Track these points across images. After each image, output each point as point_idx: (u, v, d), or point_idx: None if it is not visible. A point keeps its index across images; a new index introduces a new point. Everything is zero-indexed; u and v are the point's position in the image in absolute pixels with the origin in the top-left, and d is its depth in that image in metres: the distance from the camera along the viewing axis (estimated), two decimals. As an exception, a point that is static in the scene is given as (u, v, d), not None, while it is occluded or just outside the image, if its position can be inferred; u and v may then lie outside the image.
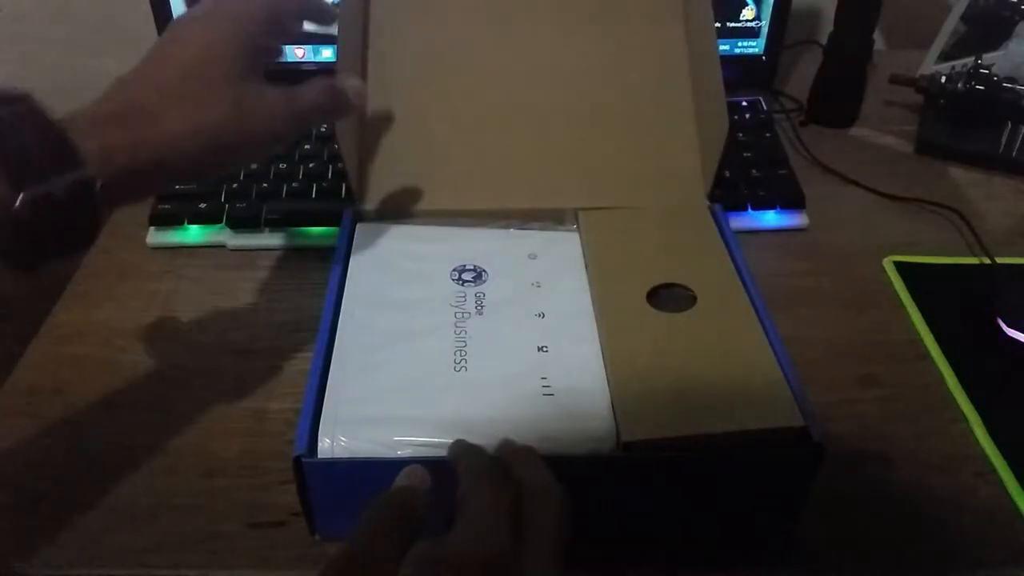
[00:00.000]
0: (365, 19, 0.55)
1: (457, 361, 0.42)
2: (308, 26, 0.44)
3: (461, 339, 0.43)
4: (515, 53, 0.56)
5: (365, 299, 0.46)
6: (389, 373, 0.41)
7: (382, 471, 0.35)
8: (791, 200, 0.65)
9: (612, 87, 0.56)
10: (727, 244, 0.49)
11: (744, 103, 0.74)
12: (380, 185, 0.54)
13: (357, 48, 0.54)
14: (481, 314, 0.45)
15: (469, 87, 0.55)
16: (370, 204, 0.54)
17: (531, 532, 0.32)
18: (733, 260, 0.48)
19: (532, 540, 0.32)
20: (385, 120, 0.55)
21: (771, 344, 0.42)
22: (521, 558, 0.31)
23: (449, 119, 0.54)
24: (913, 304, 0.57)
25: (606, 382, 0.41)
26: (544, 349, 0.43)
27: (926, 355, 0.53)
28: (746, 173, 0.66)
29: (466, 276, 0.48)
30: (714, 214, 0.52)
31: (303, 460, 0.37)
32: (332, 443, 0.38)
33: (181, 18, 0.40)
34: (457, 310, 0.45)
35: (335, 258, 0.49)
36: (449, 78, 0.55)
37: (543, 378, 0.41)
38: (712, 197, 0.54)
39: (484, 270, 0.48)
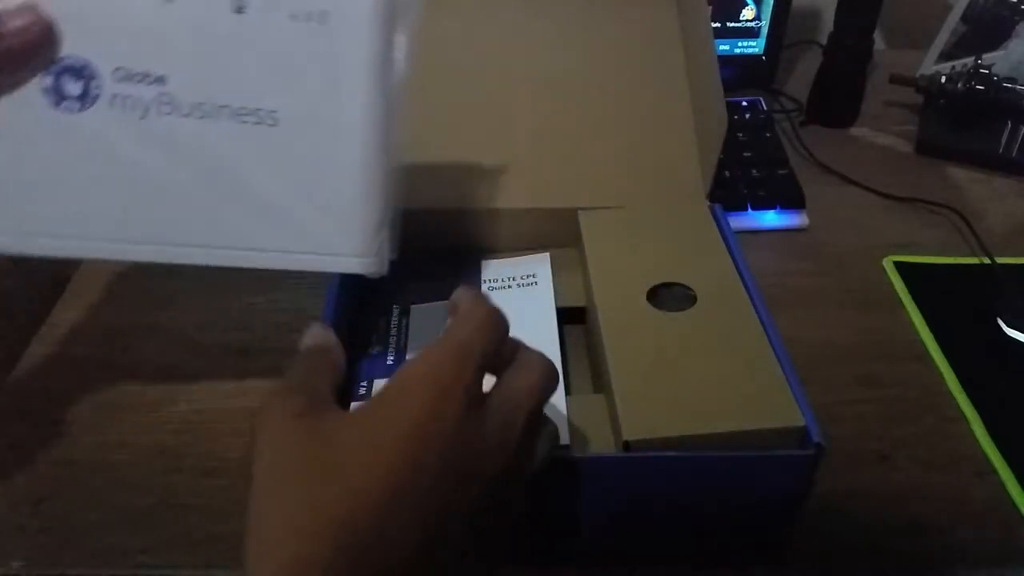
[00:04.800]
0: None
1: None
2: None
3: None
4: (512, 54, 0.56)
5: None
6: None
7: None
8: (791, 200, 0.65)
9: (609, 87, 0.56)
10: (727, 244, 0.49)
11: (744, 103, 0.75)
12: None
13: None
14: None
15: (466, 87, 0.55)
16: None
17: (495, 399, 0.32)
18: (733, 260, 0.48)
19: (493, 406, 0.31)
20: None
21: (771, 344, 0.42)
22: (467, 415, 0.30)
23: (446, 119, 0.54)
24: (913, 304, 0.57)
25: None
26: None
27: (926, 355, 0.53)
28: (746, 173, 0.66)
29: None
30: (714, 214, 0.52)
31: (303, 460, 0.37)
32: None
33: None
34: None
35: None
36: (445, 78, 0.55)
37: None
38: (712, 197, 0.54)
39: None
